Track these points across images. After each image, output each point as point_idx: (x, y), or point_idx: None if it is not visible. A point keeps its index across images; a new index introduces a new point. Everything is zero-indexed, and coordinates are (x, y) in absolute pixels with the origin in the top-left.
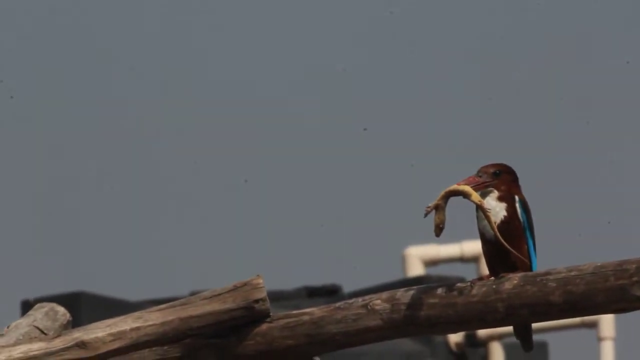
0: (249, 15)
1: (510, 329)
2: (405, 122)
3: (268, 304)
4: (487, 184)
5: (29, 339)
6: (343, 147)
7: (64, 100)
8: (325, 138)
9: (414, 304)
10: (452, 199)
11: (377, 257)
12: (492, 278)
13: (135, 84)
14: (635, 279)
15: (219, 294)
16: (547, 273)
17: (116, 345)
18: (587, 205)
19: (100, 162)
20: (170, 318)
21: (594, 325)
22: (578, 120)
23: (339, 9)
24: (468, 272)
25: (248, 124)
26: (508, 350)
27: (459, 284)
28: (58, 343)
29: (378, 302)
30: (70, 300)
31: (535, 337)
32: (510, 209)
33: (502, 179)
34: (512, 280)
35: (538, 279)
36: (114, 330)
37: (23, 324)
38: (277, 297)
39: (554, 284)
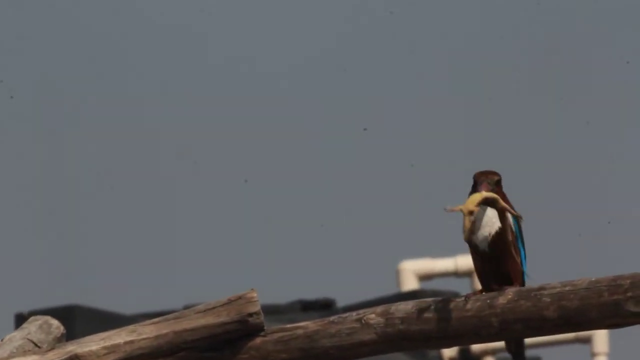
0: (250, 15)
1: (504, 343)
2: (405, 123)
3: (262, 318)
4: (494, 192)
5: (22, 352)
6: (340, 156)
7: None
8: (324, 140)
9: (408, 319)
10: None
11: (371, 271)
12: (484, 292)
13: (135, 84)
14: (629, 294)
15: (213, 308)
16: (542, 288)
17: (110, 358)
18: (587, 206)
19: (96, 172)
20: (164, 331)
21: (587, 340)
22: (578, 120)
23: (338, 9)
24: (462, 287)
25: (247, 124)
26: None
27: (453, 299)
28: (52, 356)
29: (372, 316)
30: (64, 314)
31: (529, 352)
32: (504, 218)
33: (499, 187)
34: (507, 295)
35: (532, 294)
36: (108, 343)
37: (17, 337)
38: (271, 310)
39: (548, 299)
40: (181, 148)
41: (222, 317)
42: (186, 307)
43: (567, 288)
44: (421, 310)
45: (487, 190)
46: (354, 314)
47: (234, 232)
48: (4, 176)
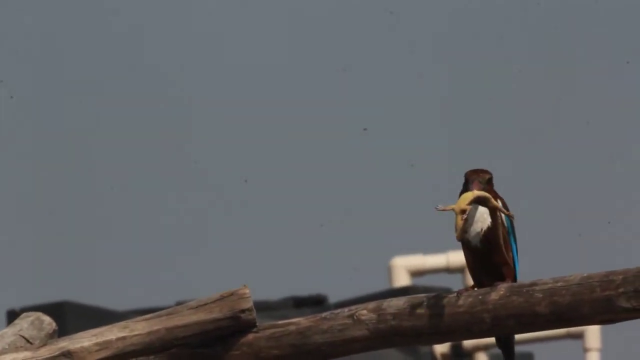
0: (250, 15)
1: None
2: (405, 123)
3: (254, 314)
4: (485, 190)
5: (14, 348)
6: (334, 155)
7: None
8: (324, 140)
9: (400, 315)
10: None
11: (363, 267)
12: (476, 288)
13: (135, 84)
14: (621, 290)
15: (205, 304)
16: (534, 284)
17: (102, 354)
18: (587, 206)
19: (94, 171)
20: (156, 328)
21: (579, 336)
22: (578, 120)
23: (338, 9)
24: (454, 283)
25: (247, 124)
26: None
27: (445, 295)
28: (44, 352)
29: (364, 312)
30: (56, 310)
31: (521, 348)
32: (496, 215)
33: (491, 185)
34: (499, 291)
35: (524, 290)
36: (100, 339)
37: (9, 333)
38: (263, 307)
39: (540, 295)
40: (181, 148)
41: (215, 314)
42: (178, 304)
43: (559, 284)
44: (413, 307)
45: (479, 189)
46: (346, 310)
47: (226, 229)
48: (4, 176)
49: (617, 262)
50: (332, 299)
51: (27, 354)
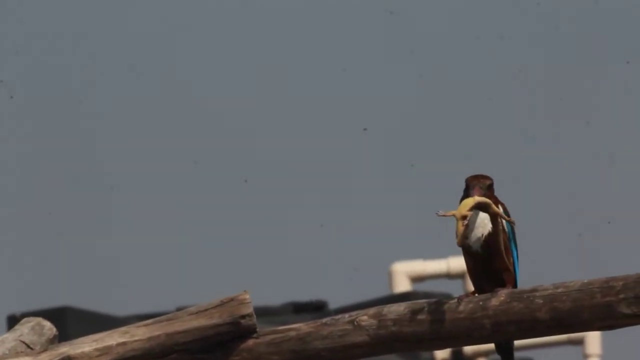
0: (249, 15)
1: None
2: (405, 123)
3: (254, 320)
4: (486, 196)
5: (15, 353)
6: (335, 158)
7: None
8: (324, 140)
9: (401, 320)
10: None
11: (363, 273)
12: (476, 294)
13: (135, 83)
14: (621, 296)
15: (206, 310)
16: (534, 290)
17: None
18: (587, 206)
19: (94, 173)
20: (156, 333)
21: (580, 342)
22: (578, 120)
23: (338, 9)
24: (455, 289)
25: (247, 124)
26: None
27: (445, 300)
28: (44, 358)
29: (364, 318)
30: (56, 315)
31: (522, 354)
32: (497, 220)
33: (492, 190)
34: (499, 297)
35: (524, 296)
36: (100, 345)
37: (9, 338)
38: (264, 312)
39: (541, 301)
40: (181, 148)
41: (215, 319)
42: (178, 309)
43: (559, 290)
44: (414, 312)
45: (480, 195)
46: (346, 316)
47: (226, 233)
48: (3, 176)
49: (617, 262)
50: (333, 304)
51: (28, 359)
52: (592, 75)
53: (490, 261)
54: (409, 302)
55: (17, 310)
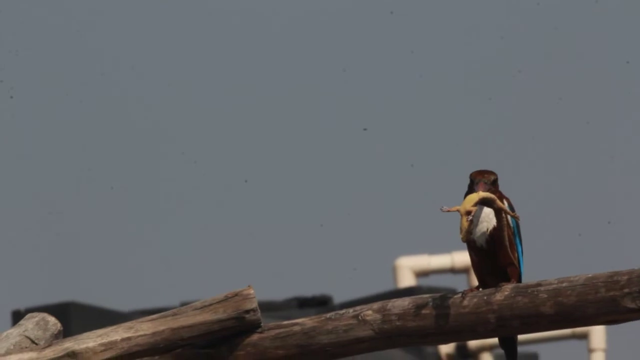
0: (249, 15)
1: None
2: (405, 123)
3: (259, 315)
4: (491, 191)
5: (19, 348)
6: (337, 154)
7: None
8: (324, 140)
9: (405, 315)
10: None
11: (368, 267)
12: (481, 289)
13: (135, 83)
14: (626, 290)
15: (210, 305)
16: (538, 284)
17: (107, 355)
18: (587, 205)
19: (95, 171)
20: (161, 328)
21: (584, 336)
22: (578, 120)
23: (338, 9)
24: (459, 283)
25: (247, 124)
26: None
27: (450, 295)
28: (49, 353)
29: (369, 312)
30: (61, 310)
31: (527, 348)
32: (501, 215)
33: (496, 186)
34: (503, 292)
35: (529, 290)
36: (105, 340)
37: (14, 333)
38: (268, 307)
39: (545, 295)
40: (181, 148)
41: (219, 314)
42: (183, 304)
43: (564, 284)
44: (418, 307)
45: (484, 190)
46: (350, 311)
47: (231, 229)
48: (3, 176)
49: (617, 263)
50: (337, 299)
51: (32, 354)
52: (592, 75)
53: (494, 256)
54: (414, 296)
55: (21, 305)
